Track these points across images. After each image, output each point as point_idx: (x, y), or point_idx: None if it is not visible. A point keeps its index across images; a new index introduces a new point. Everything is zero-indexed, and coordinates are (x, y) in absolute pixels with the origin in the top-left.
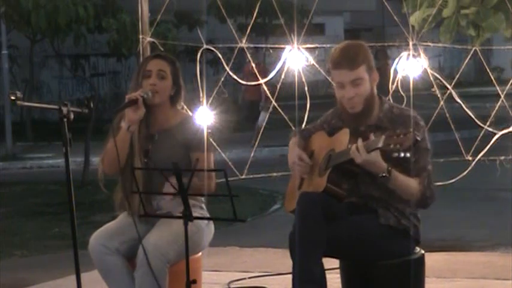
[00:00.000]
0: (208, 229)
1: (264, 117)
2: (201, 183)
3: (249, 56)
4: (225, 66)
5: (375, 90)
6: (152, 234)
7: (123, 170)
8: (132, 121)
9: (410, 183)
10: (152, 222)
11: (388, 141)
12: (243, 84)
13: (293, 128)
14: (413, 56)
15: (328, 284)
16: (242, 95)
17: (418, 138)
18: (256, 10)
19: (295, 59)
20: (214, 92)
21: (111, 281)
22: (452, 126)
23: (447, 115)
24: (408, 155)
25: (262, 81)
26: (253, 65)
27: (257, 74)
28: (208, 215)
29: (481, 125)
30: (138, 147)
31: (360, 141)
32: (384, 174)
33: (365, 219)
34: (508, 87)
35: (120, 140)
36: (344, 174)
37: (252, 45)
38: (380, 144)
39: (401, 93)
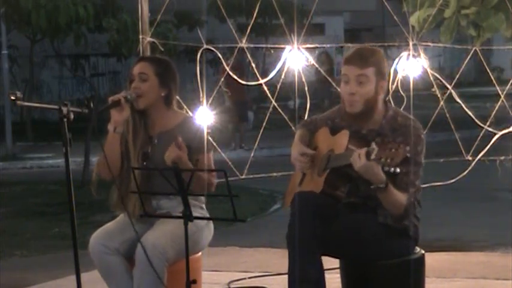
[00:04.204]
0: (208, 229)
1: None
2: (203, 178)
3: (249, 56)
4: (225, 66)
5: (380, 97)
6: (151, 233)
7: (120, 172)
8: (117, 122)
9: (399, 199)
10: (151, 221)
11: (380, 154)
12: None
13: (293, 128)
14: (413, 56)
15: (328, 284)
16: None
17: (408, 155)
18: (256, 10)
19: (295, 59)
20: (215, 92)
21: (111, 280)
22: (452, 126)
23: (447, 115)
24: (398, 170)
25: (262, 81)
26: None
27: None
28: (208, 215)
29: (481, 125)
30: (134, 150)
31: (361, 151)
32: (380, 186)
33: (364, 218)
34: (508, 87)
35: (109, 143)
36: (342, 177)
37: (252, 45)
38: (372, 157)
39: (401, 93)
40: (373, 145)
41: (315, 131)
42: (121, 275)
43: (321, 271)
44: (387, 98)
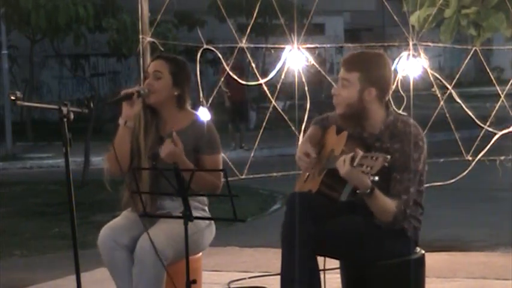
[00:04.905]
0: (209, 230)
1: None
2: (209, 180)
3: (249, 56)
4: (225, 66)
5: (371, 104)
6: (150, 232)
7: (128, 169)
8: (128, 116)
9: (387, 206)
10: (153, 221)
11: (361, 161)
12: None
13: (293, 128)
14: (413, 56)
15: (328, 284)
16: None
17: (386, 164)
18: (256, 10)
19: (295, 59)
20: (215, 92)
21: (118, 276)
22: (452, 126)
23: (447, 115)
24: (377, 178)
25: (262, 81)
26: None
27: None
28: (209, 216)
29: (481, 125)
30: (145, 149)
31: (347, 156)
32: (365, 192)
33: (361, 219)
34: (508, 87)
35: (119, 137)
36: (337, 178)
37: (252, 45)
38: (355, 163)
39: (402, 93)
40: (359, 151)
41: (328, 127)
42: (128, 271)
43: (315, 271)
44: (387, 98)
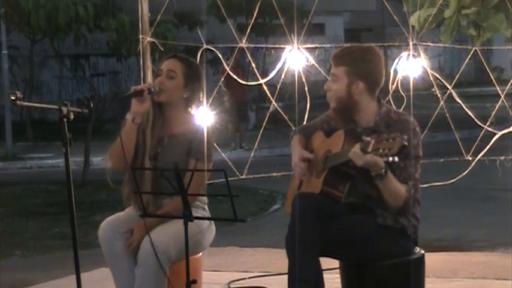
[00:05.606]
0: (210, 230)
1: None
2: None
3: (248, 56)
4: (225, 66)
5: (360, 97)
6: (154, 232)
7: (132, 165)
8: (137, 113)
9: (399, 190)
10: (156, 220)
11: (376, 146)
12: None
13: (293, 128)
14: (413, 56)
15: (328, 284)
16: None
17: (405, 143)
18: (256, 10)
19: (295, 59)
20: (215, 92)
21: (115, 265)
22: (452, 126)
23: (447, 115)
24: (396, 159)
25: (262, 81)
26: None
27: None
28: (209, 216)
29: (481, 125)
30: (149, 148)
31: (357, 146)
32: (380, 172)
33: (362, 219)
34: (508, 87)
35: (126, 132)
36: (340, 176)
37: (252, 45)
38: (369, 149)
39: (402, 93)
40: (367, 138)
41: (310, 136)
42: (127, 262)
43: (320, 271)
44: (387, 98)
